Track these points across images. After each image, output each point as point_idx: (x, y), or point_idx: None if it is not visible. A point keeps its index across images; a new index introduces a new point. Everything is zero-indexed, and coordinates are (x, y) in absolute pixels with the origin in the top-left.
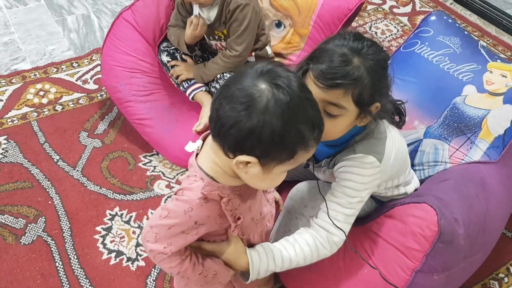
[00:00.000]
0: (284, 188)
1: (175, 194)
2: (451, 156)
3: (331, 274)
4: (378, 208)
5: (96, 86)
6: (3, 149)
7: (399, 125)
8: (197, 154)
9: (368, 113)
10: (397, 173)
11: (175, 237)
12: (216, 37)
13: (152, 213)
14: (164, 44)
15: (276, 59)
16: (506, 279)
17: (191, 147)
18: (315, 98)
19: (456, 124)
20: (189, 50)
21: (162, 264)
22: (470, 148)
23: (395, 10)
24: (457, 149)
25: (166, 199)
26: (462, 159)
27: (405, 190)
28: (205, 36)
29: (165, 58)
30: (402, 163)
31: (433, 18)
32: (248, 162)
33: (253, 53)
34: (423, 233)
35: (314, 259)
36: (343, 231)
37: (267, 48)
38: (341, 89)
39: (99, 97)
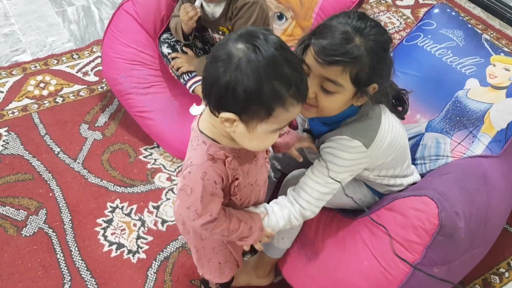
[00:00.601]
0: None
1: (186, 168)
2: (453, 150)
3: (331, 267)
4: (378, 200)
5: (96, 78)
6: (4, 141)
7: (401, 114)
8: (198, 120)
9: (365, 93)
10: (393, 163)
11: (211, 203)
12: (220, 32)
13: (153, 206)
14: (165, 35)
15: None
16: (506, 274)
17: (195, 110)
18: (314, 73)
19: (458, 118)
20: (184, 38)
21: (215, 230)
22: (472, 142)
23: (398, 2)
24: (459, 143)
25: (166, 192)
26: (464, 153)
27: (401, 182)
28: (209, 29)
29: (165, 50)
30: (400, 154)
31: (436, 11)
32: (233, 120)
33: None
34: (424, 226)
35: (286, 228)
36: (316, 207)
37: None
38: (340, 67)
39: (99, 89)
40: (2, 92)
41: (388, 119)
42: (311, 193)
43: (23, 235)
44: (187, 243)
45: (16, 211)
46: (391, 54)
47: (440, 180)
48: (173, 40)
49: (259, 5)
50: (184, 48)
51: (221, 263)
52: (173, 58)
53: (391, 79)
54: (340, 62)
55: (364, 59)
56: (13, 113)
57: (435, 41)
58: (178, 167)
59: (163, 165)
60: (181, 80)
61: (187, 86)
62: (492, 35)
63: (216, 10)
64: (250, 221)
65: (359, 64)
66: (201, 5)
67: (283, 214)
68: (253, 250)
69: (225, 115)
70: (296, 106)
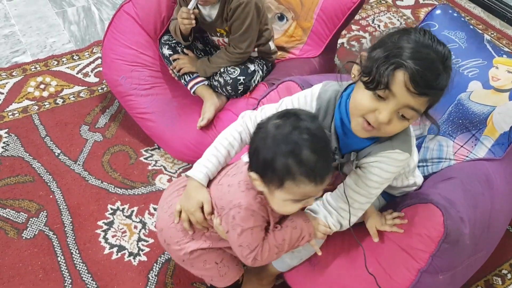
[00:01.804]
0: None
1: (231, 208)
2: (455, 153)
3: (335, 273)
4: (384, 208)
5: (97, 79)
6: (4, 142)
7: None
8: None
9: (428, 116)
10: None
11: (258, 237)
12: (218, 34)
13: (154, 208)
14: (166, 37)
15: (279, 53)
16: (509, 275)
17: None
18: (398, 100)
19: (460, 121)
20: (184, 39)
21: (265, 255)
22: (475, 145)
23: (398, 2)
24: (462, 146)
25: None
26: (467, 156)
27: (414, 180)
28: (207, 32)
29: (166, 51)
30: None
31: (438, 12)
32: (258, 181)
33: (256, 49)
34: (429, 234)
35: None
36: (355, 216)
37: (270, 43)
38: (428, 97)
39: (99, 91)
40: (2, 93)
41: None
42: (352, 204)
43: (23, 238)
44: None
45: (16, 213)
46: None
47: (444, 184)
48: (173, 41)
49: (253, 5)
50: (185, 50)
51: (217, 262)
52: (174, 60)
53: None
54: (431, 93)
55: (446, 88)
56: (13, 114)
57: None
58: (179, 169)
59: (164, 167)
60: (182, 81)
61: (188, 87)
62: (492, 35)
63: (211, 12)
64: (288, 221)
65: (442, 93)
66: (197, 7)
67: (331, 222)
68: None
69: (252, 174)
70: (308, 185)
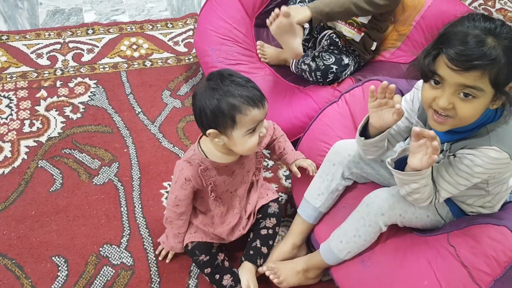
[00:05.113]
0: (358, 188)
1: None
2: None
3: (388, 279)
4: (453, 221)
5: (185, 49)
6: (91, 92)
7: None
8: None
9: (504, 93)
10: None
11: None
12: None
13: None
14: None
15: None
16: None
17: None
18: (449, 82)
19: None
20: None
21: (169, 214)
22: None
23: None
24: None
25: None
26: None
27: (493, 204)
28: None
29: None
30: None
31: None
32: (215, 134)
33: (363, 33)
34: (497, 257)
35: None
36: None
37: (375, 42)
38: (478, 71)
39: (186, 60)
40: (98, 47)
41: None
42: (438, 191)
43: (93, 183)
44: None
45: (91, 159)
46: None
47: None
48: None
49: None
50: None
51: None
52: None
53: None
54: (479, 66)
55: (501, 59)
56: (104, 68)
57: None
58: None
59: None
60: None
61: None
62: None
63: None
64: (172, 238)
65: (497, 64)
66: None
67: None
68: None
69: (210, 131)
70: (252, 109)
